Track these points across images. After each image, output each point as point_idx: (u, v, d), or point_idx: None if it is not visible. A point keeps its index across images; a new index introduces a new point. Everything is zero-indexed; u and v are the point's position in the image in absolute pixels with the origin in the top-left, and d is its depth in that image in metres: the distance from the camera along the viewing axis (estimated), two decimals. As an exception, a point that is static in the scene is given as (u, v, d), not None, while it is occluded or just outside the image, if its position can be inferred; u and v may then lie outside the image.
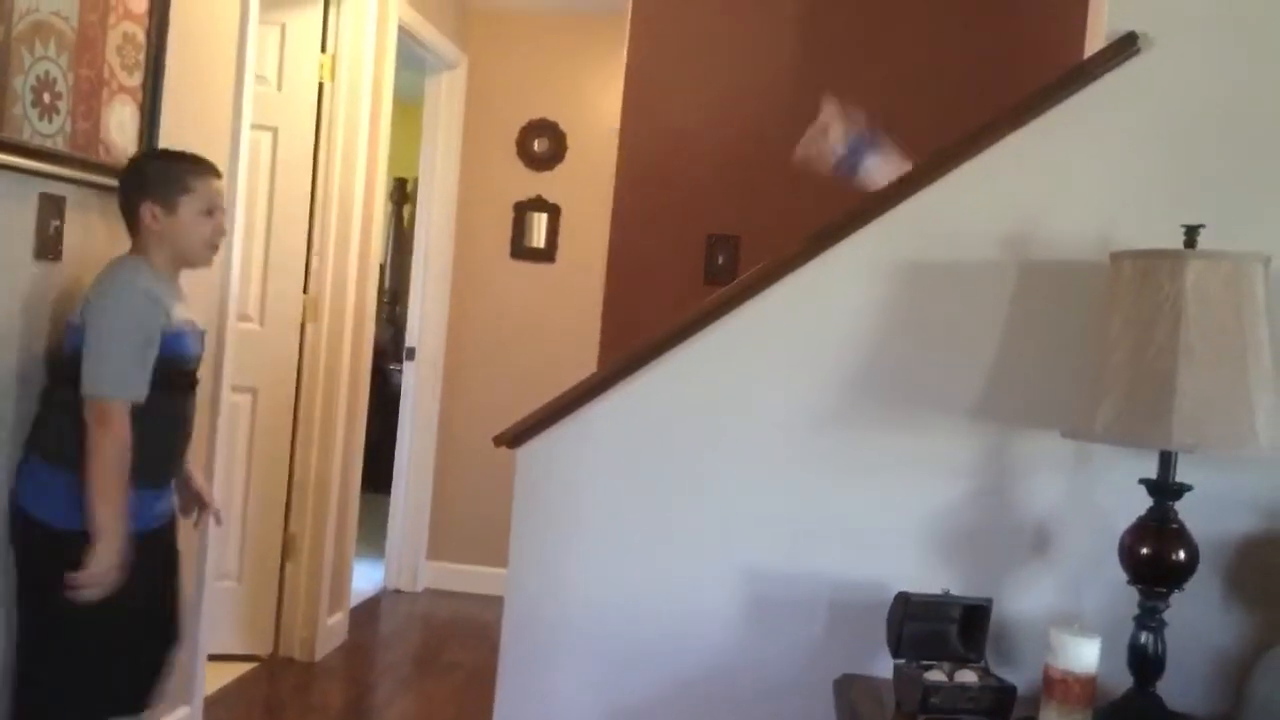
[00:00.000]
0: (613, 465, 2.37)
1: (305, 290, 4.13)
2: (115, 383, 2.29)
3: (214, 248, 2.52)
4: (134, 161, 2.58)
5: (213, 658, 3.53)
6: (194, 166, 2.47)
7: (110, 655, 2.36)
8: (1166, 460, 1.99)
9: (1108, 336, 1.98)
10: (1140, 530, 2.01)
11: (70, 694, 2.35)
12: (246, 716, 3.62)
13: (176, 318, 2.40)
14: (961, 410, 2.27)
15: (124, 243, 2.77)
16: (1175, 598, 2.01)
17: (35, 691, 2.37)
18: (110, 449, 2.27)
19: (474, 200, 5.25)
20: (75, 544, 2.26)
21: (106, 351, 2.28)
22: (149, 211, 2.42)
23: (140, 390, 2.31)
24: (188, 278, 2.59)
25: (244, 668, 3.94)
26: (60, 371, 2.39)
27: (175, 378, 2.41)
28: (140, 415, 2.32)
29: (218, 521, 2.77)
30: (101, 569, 2.26)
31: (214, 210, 2.48)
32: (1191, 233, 1.95)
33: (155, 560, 2.48)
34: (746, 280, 2.36)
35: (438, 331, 5.26)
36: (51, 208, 2.47)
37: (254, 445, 4.01)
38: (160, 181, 2.43)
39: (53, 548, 2.32)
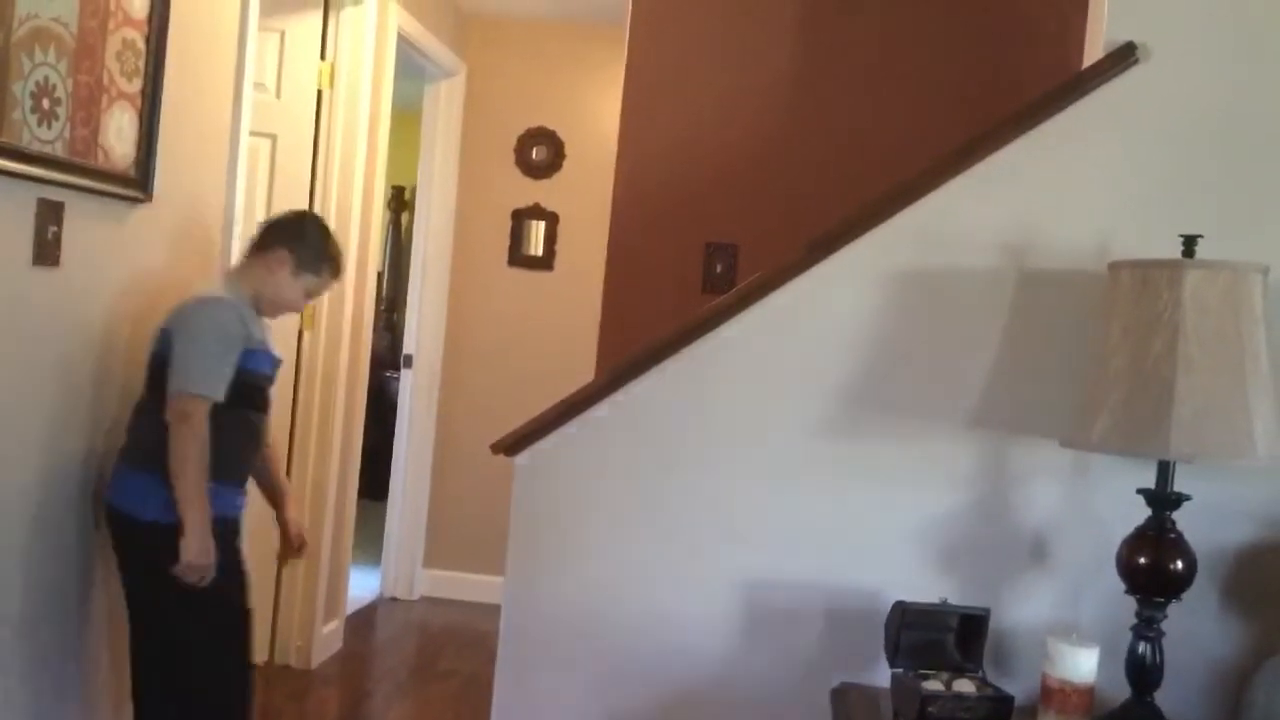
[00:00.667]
0: (610, 473, 2.37)
1: (303, 296, 4.12)
2: (199, 381, 2.46)
3: (280, 314, 2.78)
4: (303, 216, 2.90)
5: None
6: (335, 263, 2.75)
7: (198, 636, 2.54)
8: (1164, 470, 1.99)
9: (1106, 346, 1.98)
10: (1138, 540, 2.01)
11: (174, 673, 2.54)
12: None
13: (255, 338, 2.61)
14: (959, 419, 2.27)
15: (122, 248, 2.78)
16: (1173, 607, 2.01)
17: (143, 667, 2.57)
18: (192, 443, 2.44)
19: (472, 208, 5.25)
20: (155, 533, 2.46)
21: (194, 353, 2.48)
22: (281, 259, 2.66)
23: (219, 390, 2.49)
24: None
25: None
26: (149, 377, 2.58)
27: (249, 392, 2.60)
28: (219, 423, 2.49)
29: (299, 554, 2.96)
30: (192, 555, 2.44)
31: (311, 298, 2.79)
32: (1190, 243, 1.95)
33: (236, 548, 2.65)
34: (745, 288, 2.36)
35: (435, 339, 5.26)
36: (50, 213, 2.47)
37: (251, 452, 4.00)
38: (311, 249, 2.69)
39: (134, 537, 2.54)
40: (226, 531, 2.57)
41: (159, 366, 2.52)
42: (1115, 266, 2.01)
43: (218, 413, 2.50)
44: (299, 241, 2.67)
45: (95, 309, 2.70)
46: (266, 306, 2.70)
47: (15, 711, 2.50)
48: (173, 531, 2.45)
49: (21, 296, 2.44)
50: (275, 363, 2.73)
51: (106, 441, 2.83)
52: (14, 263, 2.40)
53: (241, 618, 2.64)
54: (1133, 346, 1.92)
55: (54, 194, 2.47)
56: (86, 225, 2.60)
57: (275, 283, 2.67)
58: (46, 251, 2.47)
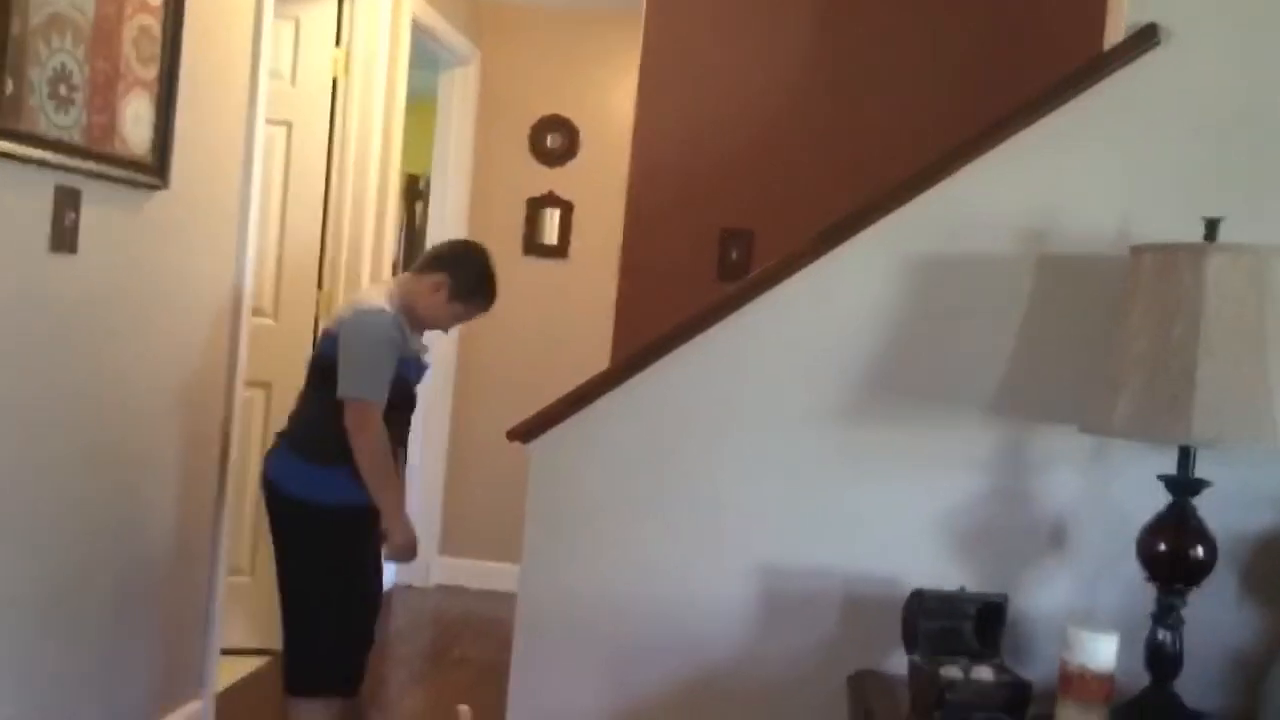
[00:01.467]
0: (625, 460, 2.36)
1: (319, 286, 4.12)
2: (372, 388, 2.69)
3: (428, 330, 2.97)
4: (469, 247, 3.04)
5: (225, 652, 3.54)
6: (487, 298, 2.94)
7: (334, 610, 2.80)
8: (1185, 455, 1.98)
9: (1127, 330, 1.96)
10: (1158, 527, 1.99)
11: (310, 639, 2.81)
12: (258, 710, 3.61)
13: (410, 348, 2.82)
14: (977, 406, 2.25)
15: (139, 235, 2.79)
16: (1193, 595, 2.00)
17: (291, 634, 2.83)
18: (375, 443, 2.68)
19: (486, 196, 5.25)
20: (309, 511, 2.75)
21: (365, 363, 2.69)
22: (439, 284, 2.83)
23: (385, 395, 2.71)
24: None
25: (256, 662, 3.94)
26: (313, 374, 2.83)
27: (399, 396, 2.78)
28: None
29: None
30: (397, 544, 2.76)
31: (458, 322, 3.00)
32: (1212, 226, 1.93)
33: (374, 537, 2.82)
34: (760, 275, 2.35)
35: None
36: (67, 201, 2.47)
37: (267, 440, 3.98)
38: (469, 280, 2.87)
39: (291, 512, 2.78)
40: (370, 519, 2.76)
41: (325, 367, 2.73)
42: (1137, 250, 2.00)
43: None
44: (459, 270, 2.86)
45: (113, 296, 2.71)
46: (416, 322, 2.87)
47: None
48: (314, 510, 2.75)
49: (40, 283, 2.45)
50: (422, 370, 2.96)
51: (130, 427, 2.85)
52: (32, 249, 2.41)
53: (367, 600, 2.88)
54: (1154, 331, 1.90)
55: (71, 181, 2.47)
56: (104, 212, 2.61)
57: (430, 303, 2.85)
58: (64, 238, 2.48)
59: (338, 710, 2.92)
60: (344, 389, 2.68)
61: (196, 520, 3.25)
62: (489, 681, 3.98)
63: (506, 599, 2.45)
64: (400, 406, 2.83)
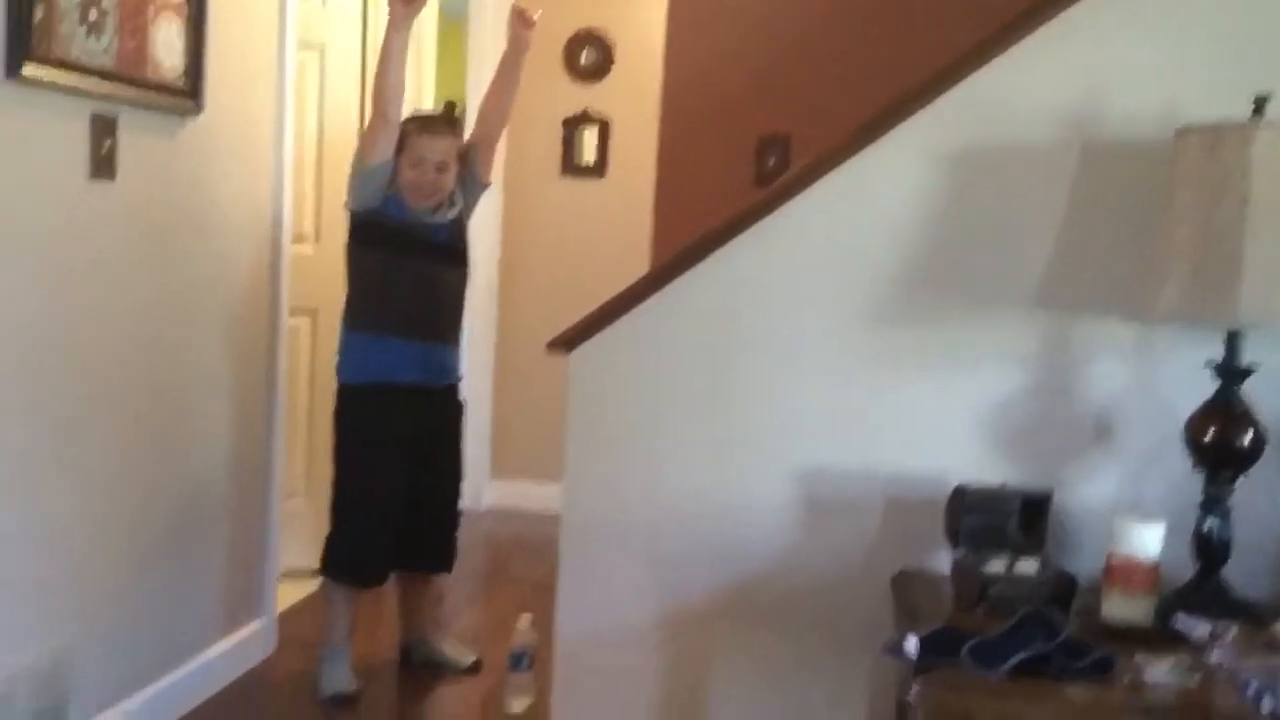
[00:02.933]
0: (665, 366, 2.36)
1: (358, 211, 4.14)
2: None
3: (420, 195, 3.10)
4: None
5: (285, 574, 3.63)
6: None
7: (343, 494, 3.11)
8: (1233, 341, 1.94)
9: (1172, 215, 1.91)
10: (1206, 414, 1.96)
11: (331, 521, 3.14)
12: (318, 629, 3.71)
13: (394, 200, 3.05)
14: (1020, 299, 2.21)
15: (175, 161, 2.81)
16: (1240, 482, 1.97)
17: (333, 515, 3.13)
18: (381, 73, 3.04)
19: (522, 117, 5.18)
20: (348, 396, 3.13)
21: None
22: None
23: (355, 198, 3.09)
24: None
25: (315, 583, 4.03)
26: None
27: (403, 242, 3.06)
28: (381, 275, 3.08)
29: None
30: None
31: (417, 171, 3.08)
32: (1260, 102, 1.87)
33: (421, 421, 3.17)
34: (797, 173, 2.31)
35: (489, 251, 5.25)
36: (104, 127, 2.49)
37: (315, 366, 4.06)
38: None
39: (339, 400, 3.12)
40: (388, 406, 3.08)
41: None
42: (1182, 133, 1.94)
43: (380, 270, 3.12)
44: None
45: (153, 223, 2.74)
46: (410, 192, 3.10)
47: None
48: (338, 388, 3.09)
49: (82, 211, 2.48)
50: (425, 225, 3.13)
51: (177, 356, 2.89)
52: (72, 177, 2.44)
53: (379, 491, 3.09)
54: (1199, 214, 1.86)
55: (107, 108, 2.49)
56: (140, 139, 2.63)
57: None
58: (103, 165, 2.50)
59: (350, 600, 3.17)
60: None
61: (250, 446, 3.31)
62: (544, 597, 4.03)
63: (557, 521, 2.47)
64: (413, 251, 3.07)
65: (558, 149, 5.19)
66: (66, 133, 2.40)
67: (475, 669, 3.44)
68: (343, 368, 3.15)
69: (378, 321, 3.11)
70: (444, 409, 3.29)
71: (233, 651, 3.25)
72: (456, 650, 3.48)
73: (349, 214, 3.14)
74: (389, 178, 3.04)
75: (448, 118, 3.17)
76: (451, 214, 3.18)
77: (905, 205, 2.25)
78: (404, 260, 3.10)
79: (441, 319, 3.24)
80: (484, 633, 3.87)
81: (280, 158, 3.31)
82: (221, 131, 2.98)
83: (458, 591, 4.36)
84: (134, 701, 2.79)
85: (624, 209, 5.03)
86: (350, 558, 3.12)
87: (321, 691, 3.18)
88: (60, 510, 2.48)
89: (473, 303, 5.19)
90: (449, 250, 3.22)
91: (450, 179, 3.14)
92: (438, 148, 3.08)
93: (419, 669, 3.45)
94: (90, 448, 2.57)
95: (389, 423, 3.08)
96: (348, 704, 3.16)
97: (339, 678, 3.19)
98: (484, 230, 5.22)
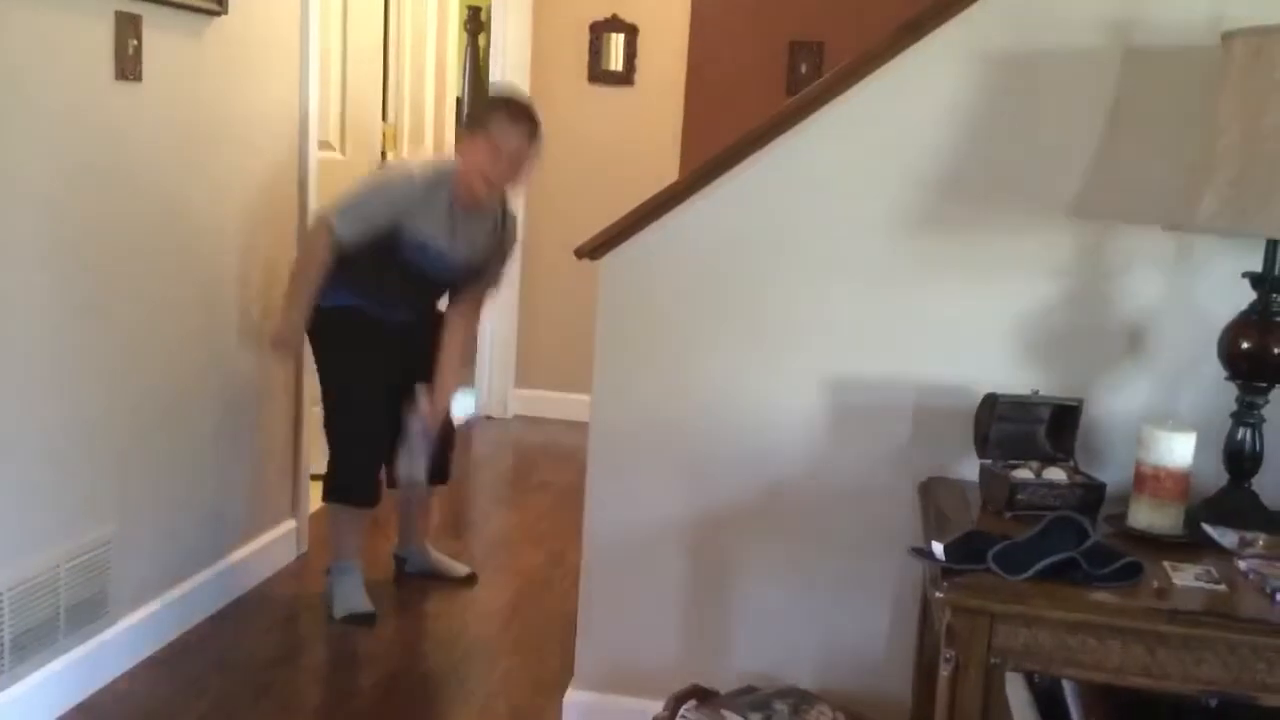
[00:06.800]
0: (695, 273, 2.35)
1: (384, 119, 4.10)
2: (343, 219, 2.84)
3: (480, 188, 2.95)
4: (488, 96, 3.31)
5: (315, 477, 3.67)
6: (507, 117, 2.95)
7: (331, 414, 3.08)
8: (1272, 250, 1.91)
9: (1215, 123, 1.87)
10: (1242, 324, 1.94)
11: (334, 445, 3.10)
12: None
13: (426, 225, 2.89)
14: (1056, 208, 2.18)
15: (200, 62, 2.78)
16: (1274, 394, 1.96)
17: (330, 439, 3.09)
18: (310, 259, 2.89)
19: (548, 23, 5.12)
20: (323, 317, 2.98)
21: (352, 198, 2.89)
22: (458, 139, 3.09)
23: (352, 235, 2.84)
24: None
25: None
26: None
27: (394, 264, 2.90)
28: (357, 258, 2.87)
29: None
30: (272, 329, 3.03)
31: (503, 173, 2.95)
32: (1312, 4, 1.81)
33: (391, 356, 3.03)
34: (831, 78, 2.27)
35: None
36: (129, 26, 2.47)
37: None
38: (475, 112, 3.18)
39: (314, 322, 2.99)
40: (372, 329, 2.99)
41: None
42: (1228, 37, 1.88)
43: (359, 251, 2.90)
44: (467, 118, 3.21)
45: (180, 125, 2.73)
46: (467, 195, 2.95)
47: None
48: (316, 314, 2.95)
49: (109, 112, 2.46)
50: (438, 257, 2.96)
51: (206, 259, 2.90)
52: (97, 77, 2.42)
53: (366, 408, 3.03)
54: (1244, 121, 1.81)
55: (131, 6, 2.46)
56: (164, 39, 2.60)
57: (462, 167, 2.95)
58: (128, 66, 2.48)
59: (356, 518, 3.14)
60: (324, 208, 2.93)
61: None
62: (570, 501, 4.10)
63: (584, 429, 2.49)
64: (403, 274, 2.93)
65: (584, 56, 5.11)
66: (90, 31, 2.38)
67: (471, 580, 3.43)
68: (322, 296, 2.96)
69: (358, 295, 2.98)
70: (426, 322, 3.17)
71: (266, 550, 3.32)
72: (450, 561, 3.48)
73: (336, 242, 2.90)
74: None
75: (533, 114, 2.97)
76: (471, 253, 3.04)
77: (943, 111, 2.21)
78: (402, 279, 2.99)
79: (431, 301, 3.21)
80: (515, 535, 3.93)
81: (307, 62, 3.28)
82: (247, 34, 2.95)
83: (487, 496, 4.43)
84: (171, 595, 2.86)
85: (652, 116, 4.96)
86: (346, 483, 3.08)
87: (335, 612, 3.10)
88: (100, 407, 2.52)
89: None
90: (451, 282, 3.14)
91: (516, 179, 3.02)
92: (520, 141, 2.93)
93: (414, 579, 3.44)
94: (125, 344, 2.60)
95: (369, 341, 2.98)
96: (365, 623, 3.07)
97: (353, 597, 3.11)
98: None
